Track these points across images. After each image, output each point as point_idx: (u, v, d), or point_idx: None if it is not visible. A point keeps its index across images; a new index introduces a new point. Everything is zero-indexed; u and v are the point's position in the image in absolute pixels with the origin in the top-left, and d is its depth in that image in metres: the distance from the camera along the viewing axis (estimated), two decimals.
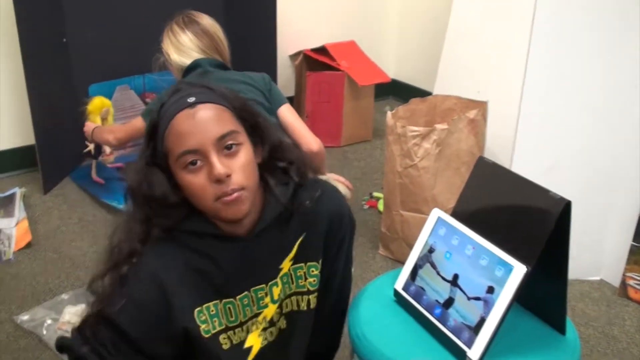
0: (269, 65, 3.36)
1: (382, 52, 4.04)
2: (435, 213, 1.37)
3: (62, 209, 2.84)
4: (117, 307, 1.14)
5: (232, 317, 1.22)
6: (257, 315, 1.25)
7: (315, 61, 3.63)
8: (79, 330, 1.21)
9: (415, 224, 2.35)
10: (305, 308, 1.31)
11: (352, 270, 1.42)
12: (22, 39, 2.66)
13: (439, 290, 1.29)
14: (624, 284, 2.31)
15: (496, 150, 2.39)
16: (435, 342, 1.27)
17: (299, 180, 1.26)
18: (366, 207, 2.90)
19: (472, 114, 2.30)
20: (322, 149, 2.47)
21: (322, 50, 3.63)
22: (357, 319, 1.36)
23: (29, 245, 2.55)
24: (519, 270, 1.16)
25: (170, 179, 1.17)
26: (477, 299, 1.21)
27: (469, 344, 1.19)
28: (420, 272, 1.35)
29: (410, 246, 1.40)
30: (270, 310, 1.26)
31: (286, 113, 2.35)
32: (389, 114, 2.38)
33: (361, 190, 3.03)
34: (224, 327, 1.21)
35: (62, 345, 1.22)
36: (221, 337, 1.21)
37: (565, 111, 2.32)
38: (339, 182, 2.64)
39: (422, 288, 1.33)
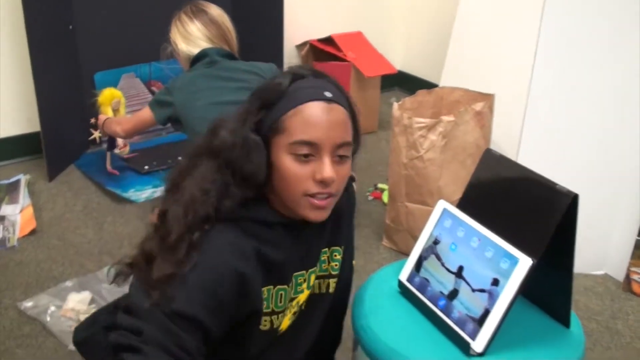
0: (276, 55, 3.35)
1: (389, 44, 4.02)
2: (441, 205, 1.36)
3: (67, 196, 2.84)
4: (196, 302, 1.07)
5: (280, 302, 1.21)
6: (293, 299, 1.25)
7: (322, 51, 3.62)
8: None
9: (420, 215, 2.35)
10: (324, 291, 1.31)
11: (354, 262, 1.43)
12: (29, 25, 2.65)
13: (443, 282, 1.28)
14: (628, 279, 2.31)
15: (502, 143, 2.38)
16: (439, 333, 1.26)
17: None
18: (371, 198, 2.90)
19: (478, 106, 2.29)
20: None
21: (328, 40, 3.61)
22: (361, 310, 1.35)
23: (33, 232, 2.55)
24: (525, 263, 1.15)
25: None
26: (482, 291, 1.21)
27: (473, 336, 1.19)
28: (425, 263, 1.34)
29: (415, 238, 1.40)
30: (304, 296, 1.26)
31: None
32: (395, 105, 2.37)
33: (366, 181, 3.03)
34: (270, 310, 1.20)
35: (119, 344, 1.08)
36: (263, 318, 1.20)
37: (572, 104, 2.31)
38: None
39: (427, 279, 1.32)
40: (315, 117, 1.10)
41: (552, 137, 2.34)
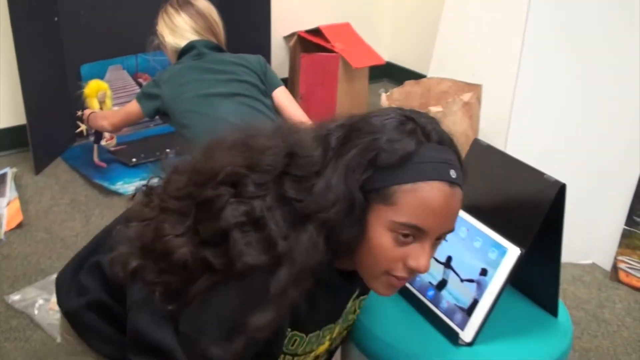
0: (263, 46, 3.34)
1: (377, 35, 4.02)
2: None
3: (54, 190, 2.83)
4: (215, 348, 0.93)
5: (292, 346, 1.10)
6: (313, 350, 1.16)
7: (310, 43, 3.60)
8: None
9: None
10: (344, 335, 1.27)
11: None
12: (13, 18, 2.63)
13: (432, 272, 1.29)
14: (615, 268, 2.32)
15: (490, 133, 2.39)
16: (428, 324, 1.27)
17: None
18: None
19: (466, 96, 2.29)
20: None
21: (316, 32, 3.60)
22: None
23: (20, 225, 2.54)
24: (513, 252, 1.16)
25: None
26: (471, 281, 1.21)
27: (462, 326, 1.19)
28: None
29: None
30: (324, 347, 1.20)
31: (281, 95, 2.34)
32: (383, 96, 2.37)
33: None
34: (288, 350, 1.12)
35: None
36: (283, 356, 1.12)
37: (559, 95, 2.32)
38: None
39: None
40: (435, 203, 0.94)
41: (540, 127, 2.35)
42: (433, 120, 1.01)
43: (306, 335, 1.11)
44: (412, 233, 0.95)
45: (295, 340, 1.10)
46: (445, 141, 1.00)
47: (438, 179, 0.94)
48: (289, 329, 1.06)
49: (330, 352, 1.27)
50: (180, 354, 0.94)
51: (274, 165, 0.96)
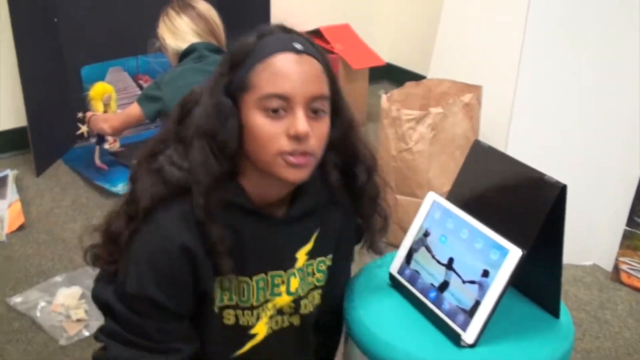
0: None
1: (377, 36, 4.02)
2: (431, 197, 1.36)
3: (55, 191, 2.83)
4: (146, 280, 1.06)
5: (244, 296, 1.16)
6: (268, 301, 1.20)
7: None
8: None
9: (409, 207, 2.35)
10: (313, 306, 1.28)
11: None
12: (13, 19, 2.63)
13: (434, 274, 1.29)
14: (616, 269, 2.32)
15: (491, 134, 2.39)
16: (430, 325, 1.27)
17: (333, 184, 1.20)
18: None
19: (467, 97, 2.29)
20: None
21: (316, 33, 3.60)
22: (351, 302, 1.35)
23: (21, 227, 2.54)
24: (515, 253, 1.16)
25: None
26: (472, 282, 1.21)
27: (464, 327, 1.19)
28: (416, 255, 1.35)
29: (405, 230, 1.40)
30: (283, 300, 1.21)
31: None
32: (383, 97, 2.38)
33: None
34: (234, 303, 1.16)
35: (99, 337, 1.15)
36: (226, 311, 1.16)
37: (559, 95, 2.32)
38: None
39: (417, 272, 1.33)
40: (284, 68, 1.03)
41: (540, 128, 2.35)
42: (279, 24, 1.12)
43: (251, 279, 1.15)
44: (278, 105, 1.03)
45: (243, 287, 1.15)
46: (289, 30, 1.10)
47: (282, 50, 1.04)
48: (234, 276, 1.12)
49: (304, 320, 1.27)
50: (116, 303, 1.09)
51: (172, 126, 1.11)
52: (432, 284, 1.28)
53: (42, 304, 2.10)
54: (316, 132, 1.06)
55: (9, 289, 2.19)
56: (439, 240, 1.31)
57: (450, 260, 1.27)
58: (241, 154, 1.09)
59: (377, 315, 1.30)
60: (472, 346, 1.19)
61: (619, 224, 2.30)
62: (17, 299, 2.12)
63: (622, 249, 2.30)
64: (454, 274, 1.25)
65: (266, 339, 1.23)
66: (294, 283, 1.22)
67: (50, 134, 3.02)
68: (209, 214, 1.05)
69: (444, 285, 1.26)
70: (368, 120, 3.66)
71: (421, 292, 1.30)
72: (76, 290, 2.14)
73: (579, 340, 2.04)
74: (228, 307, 1.16)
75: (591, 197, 2.33)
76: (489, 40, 2.53)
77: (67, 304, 2.08)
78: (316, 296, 1.28)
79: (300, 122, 1.03)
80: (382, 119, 2.38)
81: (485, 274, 1.19)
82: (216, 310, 1.15)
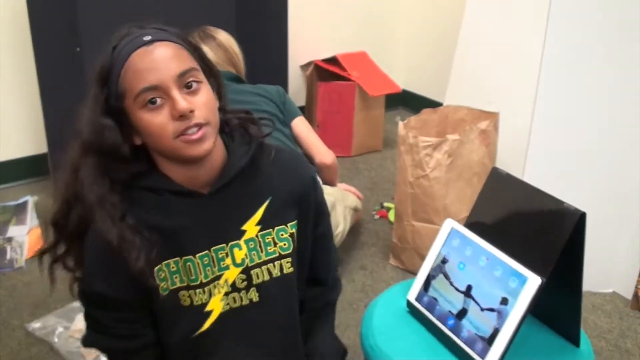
0: (280, 75, 3.37)
1: (393, 63, 4.05)
2: (449, 224, 1.37)
3: None
4: (92, 277, 1.18)
5: (192, 275, 1.19)
6: (218, 277, 1.22)
7: (326, 71, 3.64)
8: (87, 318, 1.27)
9: (426, 234, 2.35)
10: (278, 274, 1.26)
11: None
12: (36, 47, 2.68)
13: (452, 301, 1.29)
14: (636, 297, 2.30)
15: (508, 161, 2.39)
16: (448, 353, 1.26)
17: (260, 135, 1.25)
18: (377, 217, 2.90)
19: (483, 124, 2.30)
20: (335, 161, 2.49)
21: (333, 60, 3.64)
22: (370, 329, 1.35)
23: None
24: (534, 281, 1.15)
25: (123, 129, 1.13)
26: (491, 310, 1.21)
27: (483, 355, 1.19)
28: (434, 282, 1.34)
29: (422, 256, 1.40)
30: (232, 274, 1.22)
31: (300, 125, 2.37)
32: (400, 124, 2.38)
33: (372, 200, 3.03)
34: (185, 284, 1.20)
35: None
36: (181, 293, 1.20)
37: (577, 122, 2.31)
38: (349, 192, 2.65)
39: (435, 299, 1.33)
40: (141, 63, 1.09)
41: (558, 155, 2.34)
42: (133, 24, 1.18)
43: (194, 257, 1.19)
44: (153, 96, 1.09)
45: (189, 266, 1.19)
46: (140, 25, 1.16)
47: (134, 49, 1.10)
48: (178, 258, 1.18)
49: (262, 294, 1.26)
50: (82, 302, 1.24)
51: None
52: (450, 312, 1.28)
53: (60, 329, 2.10)
54: (198, 103, 1.11)
55: (27, 315, 2.20)
56: (457, 267, 1.31)
57: (469, 287, 1.27)
58: (149, 151, 1.17)
59: (395, 342, 1.30)
60: None
61: (638, 252, 2.28)
62: (35, 325, 2.13)
63: None
64: (472, 302, 1.25)
65: (226, 317, 1.24)
66: (239, 254, 1.22)
67: None
68: (116, 233, 1.12)
69: (463, 313, 1.26)
70: (385, 147, 3.67)
71: (439, 320, 1.30)
72: None
73: None
74: (181, 288, 1.20)
75: (610, 224, 2.32)
76: (505, 66, 2.54)
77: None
78: (285, 264, 1.27)
79: (178, 101, 1.08)
80: (399, 145, 2.38)
81: (504, 301, 1.19)
82: (167, 293, 1.19)
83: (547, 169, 2.34)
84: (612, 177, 2.31)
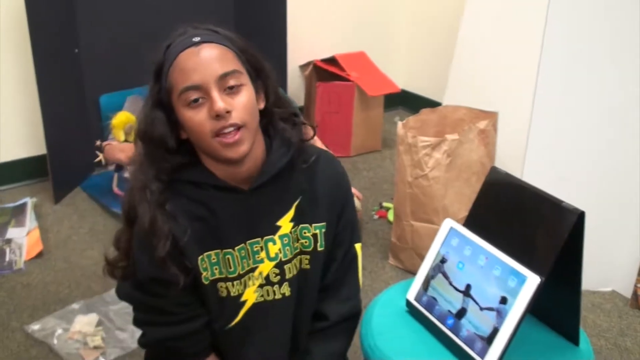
0: (279, 75, 3.33)
1: (392, 63, 4.05)
2: (448, 223, 1.37)
3: (73, 219, 2.85)
4: (145, 265, 1.21)
5: (230, 267, 1.25)
6: (253, 269, 1.27)
7: (325, 71, 3.63)
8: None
9: (425, 234, 2.35)
10: (299, 269, 1.31)
11: (360, 266, 1.40)
12: (35, 49, 2.68)
13: (451, 301, 1.28)
14: (635, 295, 2.30)
15: (507, 161, 2.39)
16: (448, 352, 1.26)
17: (300, 138, 1.28)
18: (376, 217, 2.90)
19: (482, 124, 2.30)
20: None
21: (332, 60, 3.64)
22: (369, 329, 1.35)
23: (40, 254, 2.56)
24: (533, 280, 1.15)
25: (172, 122, 1.19)
26: (490, 309, 1.21)
27: (482, 355, 1.19)
28: (433, 282, 1.34)
29: (421, 256, 1.40)
30: (266, 267, 1.27)
31: None
32: (399, 124, 2.38)
33: (371, 200, 3.03)
34: (223, 276, 1.25)
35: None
36: (219, 284, 1.26)
37: (576, 122, 2.31)
38: None
39: (435, 298, 1.33)
40: (187, 62, 1.15)
41: (557, 154, 2.34)
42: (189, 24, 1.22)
43: (234, 250, 1.24)
44: (196, 95, 1.14)
45: (228, 259, 1.24)
46: (195, 26, 1.20)
47: (183, 49, 1.16)
48: (219, 250, 1.23)
49: (294, 289, 1.31)
50: (134, 293, 1.29)
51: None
52: (449, 311, 1.28)
53: (60, 331, 2.10)
54: (237, 104, 1.15)
55: (26, 316, 2.20)
56: (456, 267, 1.31)
57: (468, 287, 1.27)
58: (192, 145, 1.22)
59: (394, 342, 1.30)
60: None
61: (637, 250, 2.28)
62: (34, 327, 2.13)
63: None
64: (471, 301, 1.25)
65: (258, 307, 1.29)
66: (273, 249, 1.27)
67: (69, 162, 3.05)
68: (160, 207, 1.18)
69: (462, 312, 1.26)
70: (384, 146, 3.67)
71: (438, 319, 1.30)
72: (93, 318, 2.15)
73: None
74: (219, 279, 1.25)
75: (609, 223, 2.32)
76: (504, 66, 2.54)
77: (84, 331, 2.08)
78: (304, 260, 1.32)
79: (216, 101, 1.13)
80: (398, 145, 2.38)
81: (503, 301, 1.19)
82: (209, 283, 1.24)
83: (546, 168, 2.34)
84: (611, 176, 2.31)
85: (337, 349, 1.38)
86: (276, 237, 1.27)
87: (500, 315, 1.18)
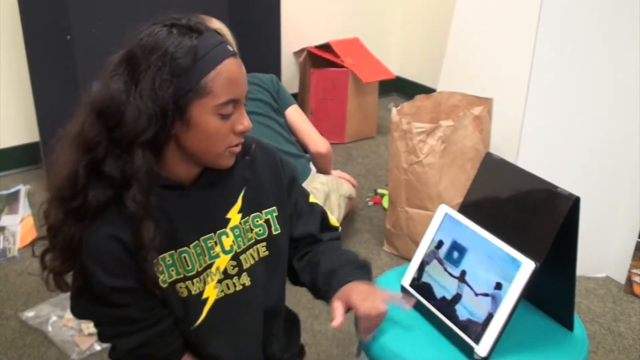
0: (273, 62, 3.35)
1: (386, 49, 4.04)
2: (442, 209, 1.36)
3: None
4: (105, 277, 1.15)
5: (188, 266, 1.22)
6: (210, 265, 1.25)
7: (320, 58, 3.62)
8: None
9: (420, 220, 2.35)
10: (257, 258, 1.31)
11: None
12: (27, 36, 2.66)
13: (446, 287, 1.28)
14: (629, 281, 2.31)
15: (501, 147, 2.39)
16: (443, 338, 1.26)
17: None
18: (371, 203, 2.90)
19: (477, 110, 2.30)
20: (330, 150, 2.49)
21: (326, 47, 3.62)
22: None
23: (33, 242, 2.55)
24: (528, 266, 1.15)
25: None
26: (485, 295, 1.21)
27: (477, 340, 1.19)
28: (427, 268, 1.34)
29: (415, 242, 1.40)
30: (223, 261, 1.26)
31: (294, 114, 2.37)
32: (394, 110, 2.38)
33: (365, 187, 3.03)
34: (181, 276, 1.22)
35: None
36: (177, 285, 1.22)
37: (571, 108, 2.31)
38: (343, 179, 2.65)
39: (429, 284, 1.33)
40: (233, 74, 1.13)
41: (551, 140, 2.34)
42: (187, 15, 1.18)
43: (189, 248, 1.22)
44: (232, 109, 1.13)
45: (184, 257, 1.21)
46: (206, 27, 1.16)
47: (225, 57, 1.12)
48: (173, 251, 1.19)
49: (253, 278, 1.29)
50: (94, 308, 1.22)
51: (96, 134, 1.12)
52: (444, 297, 1.28)
53: (54, 318, 2.10)
54: None
55: (21, 304, 2.20)
56: (451, 253, 1.31)
57: (463, 272, 1.26)
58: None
59: (389, 328, 1.30)
60: (485, 359, 1.19)
61: (632, 236, 2.29)
62: (29, 314, 2.13)
63: (634, 260, 2.28)
64: (466, 287, 1.25)
65: (221, 303, 1.27)
66: (227, 241, 1.26)
67: None
68: (146, 208, 1.11)
69: (457, 298, 1.26)
70: (379, 133, 3.66)
71: (433, 305, 1.30)
72: None
73: (592, 353, 2.02)
74: (178, 280, 1.22)
75: (604, 209, 2.32)
76: (499, 52, 2.54)
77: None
78: (260, 249, 1.31)
79: (247, 120, 1.16)
80: (393, 132, 2.38)
81: (498, 286, 1.19)
82: (167, 286, 1.21)
83: (540, 154, 2.34)
84: (606, 161, 2.31)
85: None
86: (228, 230, 1.26)
87: (495, 300, 1.19)
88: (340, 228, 1.43)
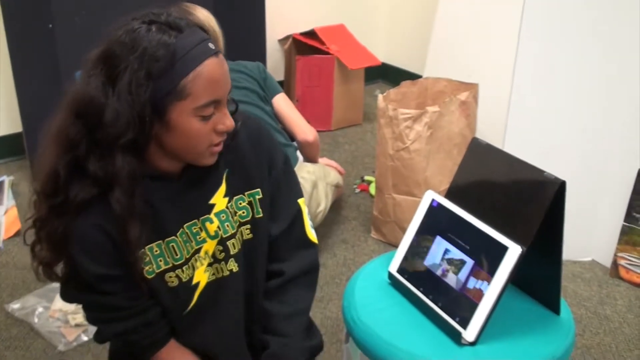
0: (259, 49, 3.33)
1: (372, 36, 4.02)
2: (429, 195, 1.36)
3: None
4: (91, 265, 1.16)
5: (177, 254, 1.22)
6: (198, 250, 1.25)
7: (305, 45, 3.60)
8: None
9: (407, 206, 2.35)
10: (241, 240, 1.29)
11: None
12: (7, 25, 2.63)
13: (433, 272, 1.28)
14: (615, 264, 2.32)
15: (488, 132, 2.39)
16: (430, 324, 1.27)
17: None
18: (358, 190, 2.90)
19: (463, 96, 2.29)
20: (317, 138, 2.48)
21: (311, 34, 3.60)
22: (352, 302, 1.35)
23: (18, 233, 2.53)
24: (514, 251, 1.16)
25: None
26: (472, 280, 1.21)
27: (465, 325, 1.19)
28: (415, 254, 1.34)
29: (403, 229, 1.40)
30: (210, 245, 1.25)
31: (281, 102, 2.35)
32: (380, 96, 2.37)
33: (352, 174, 3.03)
34: (170, 265, 1.22)
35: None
36: (167, 275, 1.22)
37: (556, 92, 2.32)
38: (330, 166, 2.64)
39: (417, 271, 1.33)
40: (214, 74, 1.09)
41: (537, 125, 2.35)
42: (167, 11, 1.12)
43: (176, 236, 1.21)
44: (213, 110, 1.11)
45: (172, 247, 1.21)
46: (187, 23, 1.11)
47: (206, 57, 1.08)
48: (161, 241, 1.19)
49: (240, 263, 1.29)
50: (82, 295, 1.26)
51: (77, 132, 1.11)
52: (431, 283, 1.28)
53: (40, 309, 2.09)
54: None
55: (6, 296, 2.18)
56: (438, 238, 1.31)
57: (450, 258, 1.27)
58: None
59: (377, 314, 1.30)
60: (472, 344, 1.19)
61: (617, 220, 2.30)
62: (14, 305, 2.11)
63: (620, 244, 2.30)
64: (453, 272, 1.25)
65: (210, 287, 1.27)
66: (211, 227, 1.24)
67: None
68: (131, 208, 1.11)
69: (444, 284, 1.26)
70: (365, 120, 3.66)
71: (421, 291, 1.30)
72: None
73: (579, 336, 2.04)
74: (166, 270, 1.22)
75: (589, 193, 2.33)
76: (484, 38, 2.53)
77: (65, 310, 2.07)
78: (244, 231, 1.29)
79: (229, 119, 1.14)
80: (379, 118, 2.37)
81: (486, 271, 1.19)
82: (154, 277, 1.21)
83: (526, 139, 2.34)
84: (591, 146, 2.32)
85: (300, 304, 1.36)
86: (212, 216, 1.24)
87: (482, 285, 1.19)
88: (317, 244, 1.38)
